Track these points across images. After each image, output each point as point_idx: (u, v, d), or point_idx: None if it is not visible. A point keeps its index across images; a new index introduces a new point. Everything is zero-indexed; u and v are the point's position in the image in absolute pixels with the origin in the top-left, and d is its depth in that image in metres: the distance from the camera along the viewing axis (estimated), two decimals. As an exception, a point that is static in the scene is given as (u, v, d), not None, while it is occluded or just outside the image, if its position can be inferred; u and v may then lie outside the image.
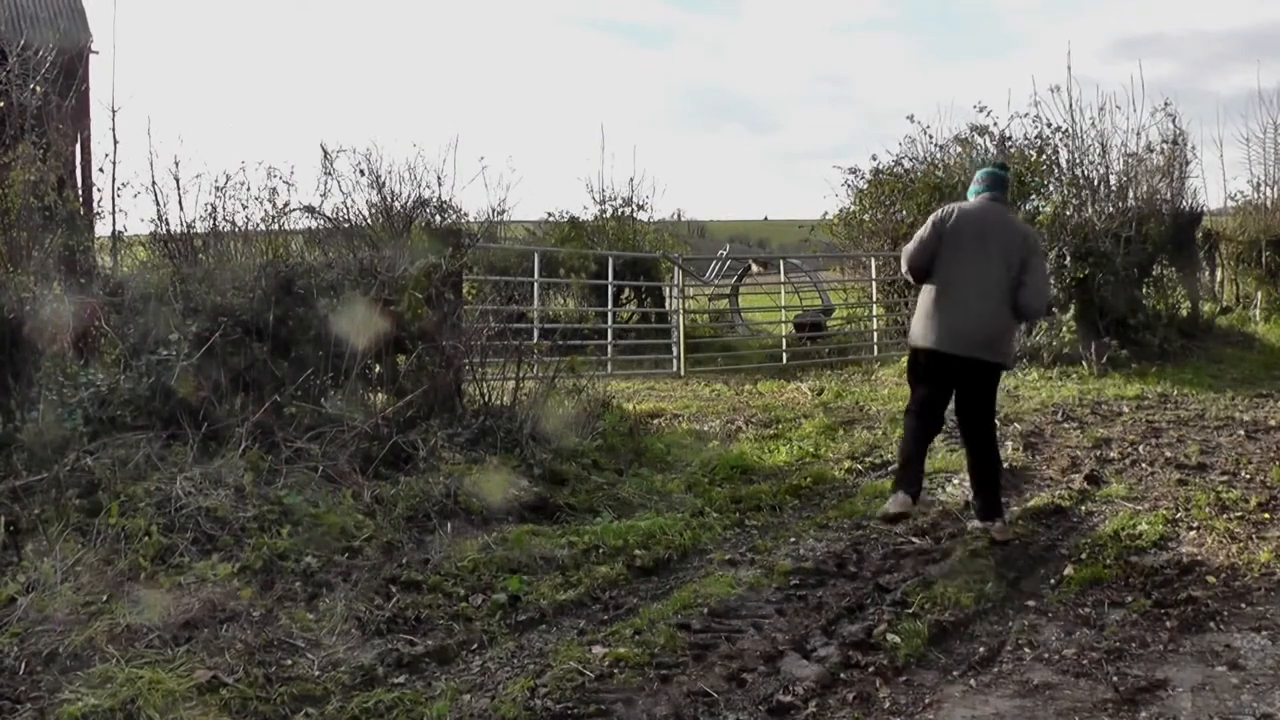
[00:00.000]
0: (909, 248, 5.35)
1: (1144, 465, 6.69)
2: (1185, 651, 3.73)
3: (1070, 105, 12.58)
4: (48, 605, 3.82)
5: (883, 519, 5.23)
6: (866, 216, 14.69)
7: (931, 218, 5.32)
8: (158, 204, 6.60)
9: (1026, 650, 3.79)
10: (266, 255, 6.48)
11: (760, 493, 6.04)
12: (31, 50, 7.32)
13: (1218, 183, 38.34)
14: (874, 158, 13.82)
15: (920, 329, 5.22)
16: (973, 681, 3.54)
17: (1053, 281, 11.44)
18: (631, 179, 20.78)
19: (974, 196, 5.37)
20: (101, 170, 7.15)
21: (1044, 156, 12.79)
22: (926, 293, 5.24)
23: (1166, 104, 12.71)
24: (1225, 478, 6.28)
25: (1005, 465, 6.62)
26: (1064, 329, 11.17)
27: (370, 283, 6.24)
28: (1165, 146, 12.75)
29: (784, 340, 13.84)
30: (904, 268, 5.41)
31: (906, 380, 5.64)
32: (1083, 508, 5.74)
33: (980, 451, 5.24)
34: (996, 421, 8.07)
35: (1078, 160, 12.52)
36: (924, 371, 5.28)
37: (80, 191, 7.81)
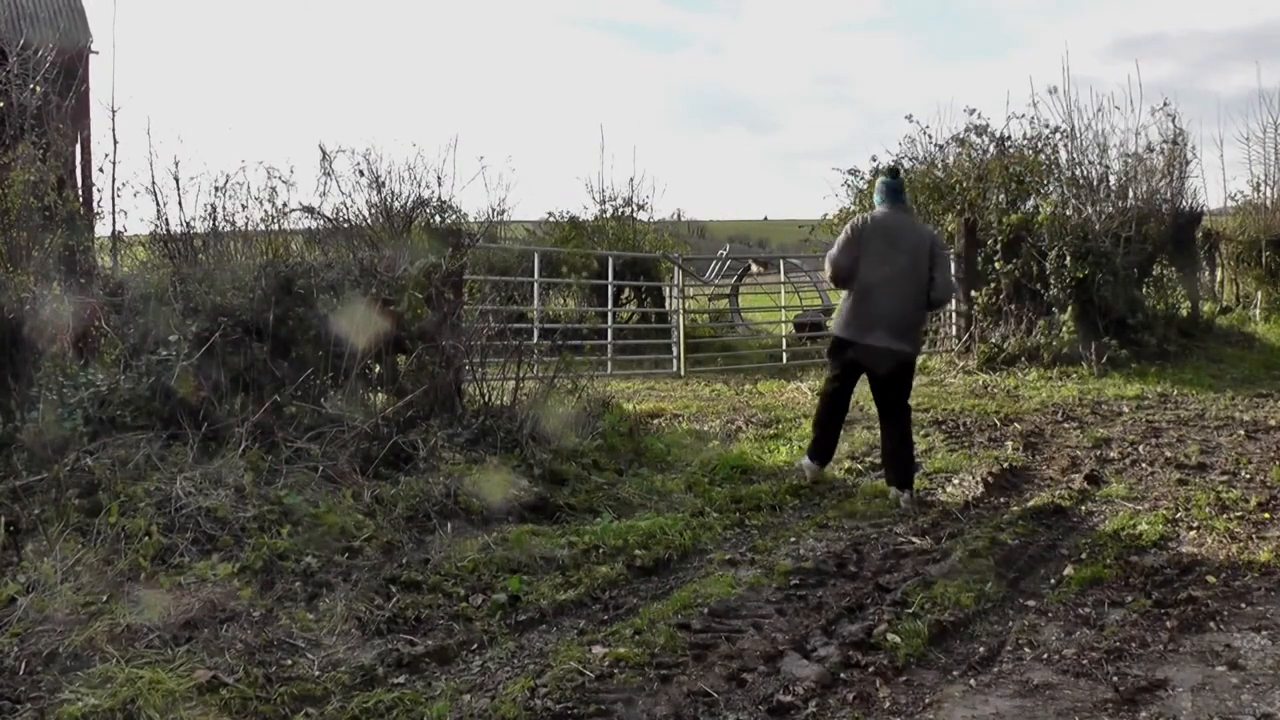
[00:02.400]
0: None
1: (1144, 465, 6.69)
2: (1185, 651, 3.73)
3: (1068, 106, 12.61)
4: (48, 605, 3.81)
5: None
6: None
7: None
8: (158, 204, 6.62)
9: (1026, 650, 3.79)
10: (266, 255, 6.48)
11: (760, 493, 6.04)
12: (31, 50, 7.33)
13: (1218, 183, 38.43)
14: (874, 158, 13.74)
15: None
16: (973, 681, 3.54)
17: (1052, 281, 11.46)
18: (631, 179, 20.86)
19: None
20: (101, 170, 7.17)
21: (1043, 156, 12.78)
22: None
23: (1165, 104, 12.72)
24: (1225, 477, 6.28)
25: (1005, 465, 6.66)
26: (1064, 329, 11.16)
27: (370, 283, 6.24)
28: (1165, 146, 12.74)
29: (784, 340, 13.85)
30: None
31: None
32: (1083, 507, 5.74)
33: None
34: (996, 420, 8.18)
35: (1077, 160, 12.52)
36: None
37: (80, 191, 7.82)
